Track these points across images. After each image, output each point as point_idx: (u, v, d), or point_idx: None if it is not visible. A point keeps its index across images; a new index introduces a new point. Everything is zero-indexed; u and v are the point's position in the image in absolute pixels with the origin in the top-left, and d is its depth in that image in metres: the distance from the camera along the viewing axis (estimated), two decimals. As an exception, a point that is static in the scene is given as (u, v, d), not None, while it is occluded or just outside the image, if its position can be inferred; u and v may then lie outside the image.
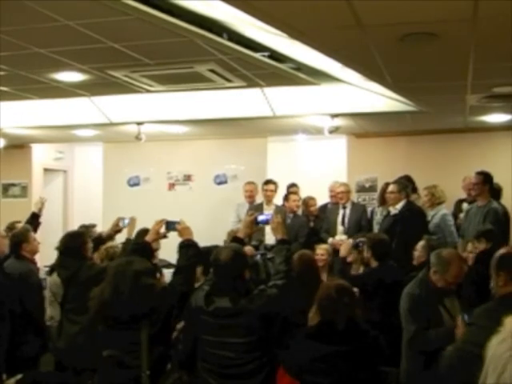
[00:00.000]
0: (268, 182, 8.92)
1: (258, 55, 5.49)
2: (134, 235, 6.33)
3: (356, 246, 6.35)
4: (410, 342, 4.52)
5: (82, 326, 5.43)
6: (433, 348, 4.40)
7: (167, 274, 6.96)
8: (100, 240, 6.36)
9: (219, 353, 3.92)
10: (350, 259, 6.43)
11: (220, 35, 4.91)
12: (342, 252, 6.33)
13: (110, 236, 6.46)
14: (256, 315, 3.86)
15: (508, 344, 1.37)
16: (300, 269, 5.42)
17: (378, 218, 8.50)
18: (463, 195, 8.69)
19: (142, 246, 4.47)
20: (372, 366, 3.89)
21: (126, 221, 6.49)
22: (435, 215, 7.92)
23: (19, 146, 10.94)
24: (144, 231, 5.74)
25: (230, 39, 5.03)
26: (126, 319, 3.82)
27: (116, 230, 6.44)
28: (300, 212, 9.02)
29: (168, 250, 7.91)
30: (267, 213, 5.46)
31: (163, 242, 7.38)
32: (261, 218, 4.67)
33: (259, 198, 9.12)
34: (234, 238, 4.61)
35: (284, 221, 7.99)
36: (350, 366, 3.77)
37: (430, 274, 4.63)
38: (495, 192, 7.97)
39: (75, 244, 5.70)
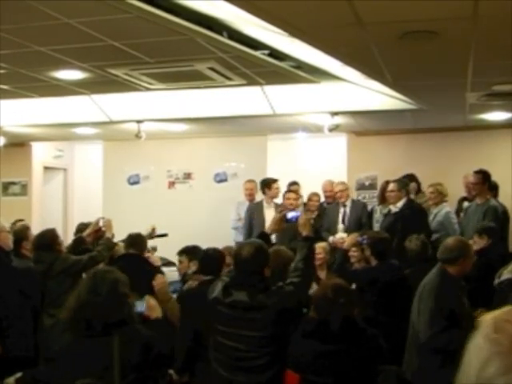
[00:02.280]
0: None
1: (257, 53, 5.50)
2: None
3: (360, 243, 6.34)
4: (432, 340, 4.47)
5: (57, 319, 5.59)
6: (453, 347, 4.36)
7: (167, 273, 6.99)
8: (81, 240, 6.53)
9: (232, 344, 3.94)
10: (353, 260, 6.43)
11: (220, 33, 4.91)
12: (346, 245, 6.33)
13: (90, 235, 6.57)
14: (272, 311, 3.88)
15: (488, 339, 1.38)
16: None
17: (377, 216, 8.51)
18: (463, 193, 8.69)
19: None
20: (369, 364, 3.89)
21: (105, 220, 6.59)
22: (438, 213, 7.95)
23: (19, 144, 10.93)
24: None
25: (230, 37, 5.03)
26: (99, 325, 3.72)
27: (96, 229, 6.53)
28: (301, 210, 9.02)
29: (168, 249, 7.95)
30: (297, 210, 5.53)
31: (163, 240, 7.47)
32: (290, 215, 4.70)
33: (259, 196, 9.12)
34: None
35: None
36: (347, 365, 3.77)
37: (448, 268, 4.58)
38: (494, 189, 8.00)
39: (46, 239, 6.01)
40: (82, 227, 7.37)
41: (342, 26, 4.18)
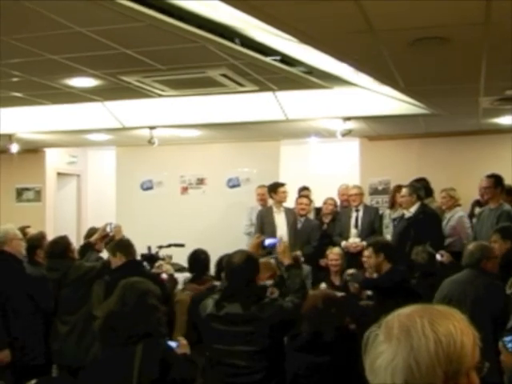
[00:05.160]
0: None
1: (269, 59, 5.50)
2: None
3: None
4: None
5: (72, 326, 5.81)
6: None
7: (180, 278, 7.00)
8: (89, 245, 6.59)
9: (229, 361, 3.92)
10: (366, 265, 6.39)
11: (232, 40, 4.92)
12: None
13: (98, 240, 6.63)
14: (266, 324, 3.85)
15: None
16: None
17: (386, 221, 8.48)
18: (477, 197, 8.62)
19: None
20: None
21: (113, 225, 6.60)
22: (452, 217, 7.92)
23: (33, 150, 10.98)
24: None
25: (242, 44, 5.04)
26: (124, 335, 3.69)
27: (104, 235, 6.55)
28: (312, 216, 9.02)
29: (181, 255, 7.97)
30: (274, 237, 5.47)
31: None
32: (268, 241, 4.68)
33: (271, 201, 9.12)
34: None
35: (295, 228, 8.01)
36: (342, 375, 3.74)
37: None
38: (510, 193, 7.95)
39: (59, 246, 6.05)
40: (92, 231, 7.39)
41: (353, 32, 4.18)
